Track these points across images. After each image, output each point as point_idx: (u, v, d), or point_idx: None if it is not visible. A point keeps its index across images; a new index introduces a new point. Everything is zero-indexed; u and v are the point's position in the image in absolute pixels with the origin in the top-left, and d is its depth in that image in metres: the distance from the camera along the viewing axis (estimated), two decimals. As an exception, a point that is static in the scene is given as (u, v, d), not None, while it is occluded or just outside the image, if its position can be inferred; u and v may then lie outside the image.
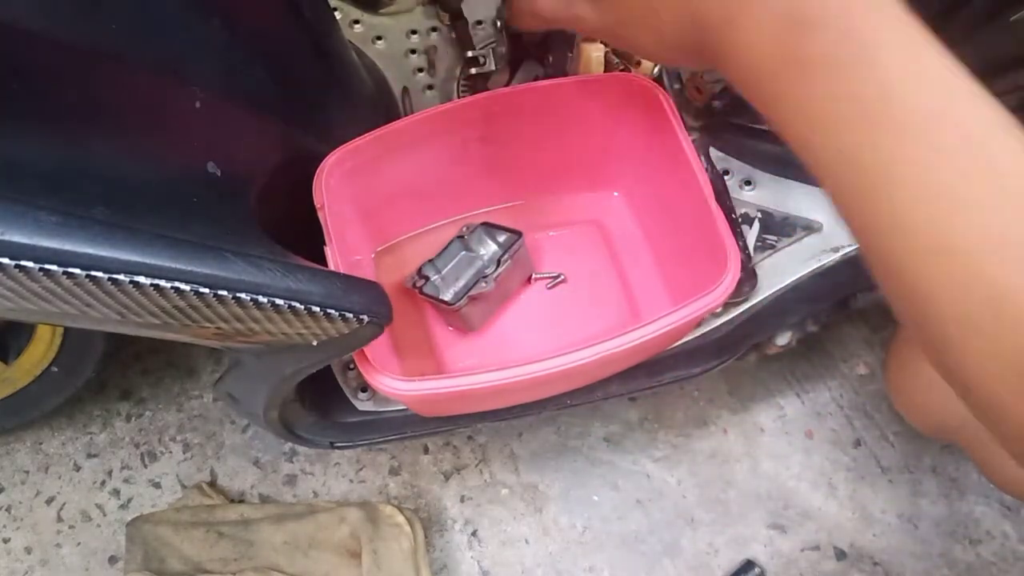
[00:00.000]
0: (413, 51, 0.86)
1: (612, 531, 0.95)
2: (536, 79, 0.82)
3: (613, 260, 0.77)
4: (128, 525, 0.88)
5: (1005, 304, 0.28)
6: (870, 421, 1.02)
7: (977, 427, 0.76)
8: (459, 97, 0.84)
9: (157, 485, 0.96)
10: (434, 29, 0.88)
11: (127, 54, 0.42)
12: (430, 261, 0.73)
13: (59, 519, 0.94)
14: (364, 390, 0.75)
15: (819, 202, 0.76)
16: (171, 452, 0.98)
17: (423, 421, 0.75)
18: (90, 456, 0.98)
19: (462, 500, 0.96)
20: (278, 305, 0.42)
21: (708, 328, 0.76)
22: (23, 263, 0.33)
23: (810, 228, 0.76)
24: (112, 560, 0.92)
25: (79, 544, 0.93)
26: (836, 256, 0.75)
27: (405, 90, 0.84)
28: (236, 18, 0.50)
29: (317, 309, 0.44)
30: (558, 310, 0.76)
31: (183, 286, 0.38)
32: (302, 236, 0.55)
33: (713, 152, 0.79)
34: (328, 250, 0.57)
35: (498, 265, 0.72)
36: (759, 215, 0.77)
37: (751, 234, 0.76)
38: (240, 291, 0.40)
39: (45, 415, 0.93)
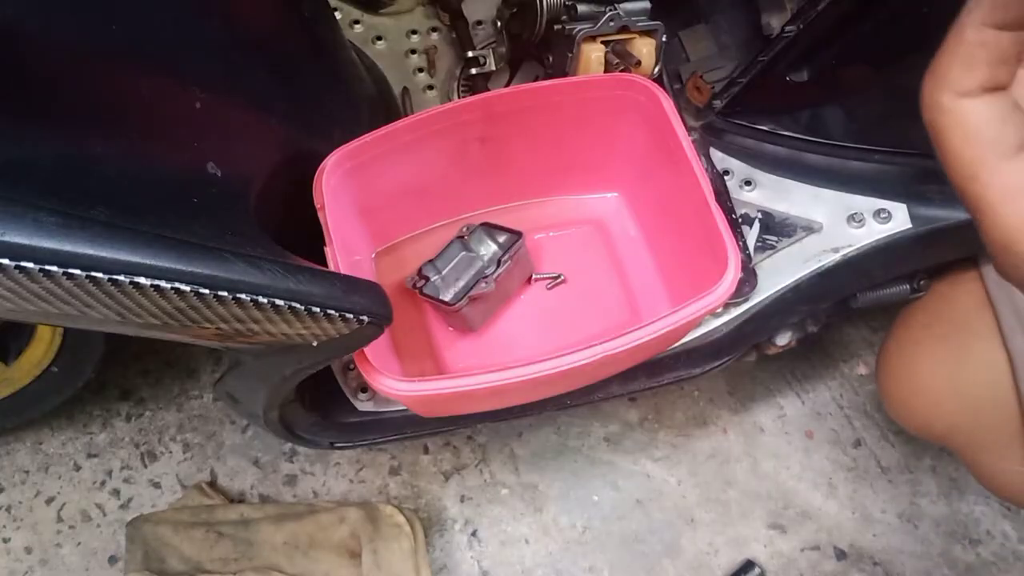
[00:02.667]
0: (413, 51, 0.86)
1: (612, 531, 0.95)
2: (536, 79, 0.82)
3: (613, 260, 0.77)
4: (128, 525, 0.88)
5: None
6: (870, 421, 1.02)
7: (966, 432, 0.76)
8: (459, 97, 0.84)
9: (157, 485, 0.96)
10: (434, 29, 0.88)
11: (127, 54, 0.42)
12: (430, 261, 0.73)
13: (59, 519, 0.94)
14: (364, 390, 0.75)
15: (819, 202, 0.76)
16: (171, 452, 0.98)
17: (423, 421, 0.75)
18: (90, 456, 0.98)
19: (462, 500, 0.96)
20: (278, 306, 0.42)
21: (708, 328, 0.76)
22: (23, 264, 0.33)
23: (810, 228, 0.76)
24: (112, 560, 0.92)
25: (79, 544, 0.93)
26: (836, 256, 0.75)
27: (405, 90, 0.84)
28: (236, 18, 0.50)
29: (317, 310, 0.44)
30: (558, 310, 0.76)
31: (183, 287, 0.38)
32: (302, 236, 0.55)
33: (713, 152, 0.79)
34: (328, 250, 0.57)
35: (498, 265, 0.71)
36: (759, 215, 0.76)
37: (751, 234, 0.76)
38: (240, 292, 0.40)
39: (45, 415, 0.93)
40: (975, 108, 0.25)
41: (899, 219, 0.74)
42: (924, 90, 0.27)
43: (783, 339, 0.81)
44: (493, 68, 0.82)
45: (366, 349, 0.53)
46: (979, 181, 0.26)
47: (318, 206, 0.58)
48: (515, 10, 0.78)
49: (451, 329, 0.75)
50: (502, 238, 0.73)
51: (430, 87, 0.85)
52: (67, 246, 0.34)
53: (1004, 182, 0.25)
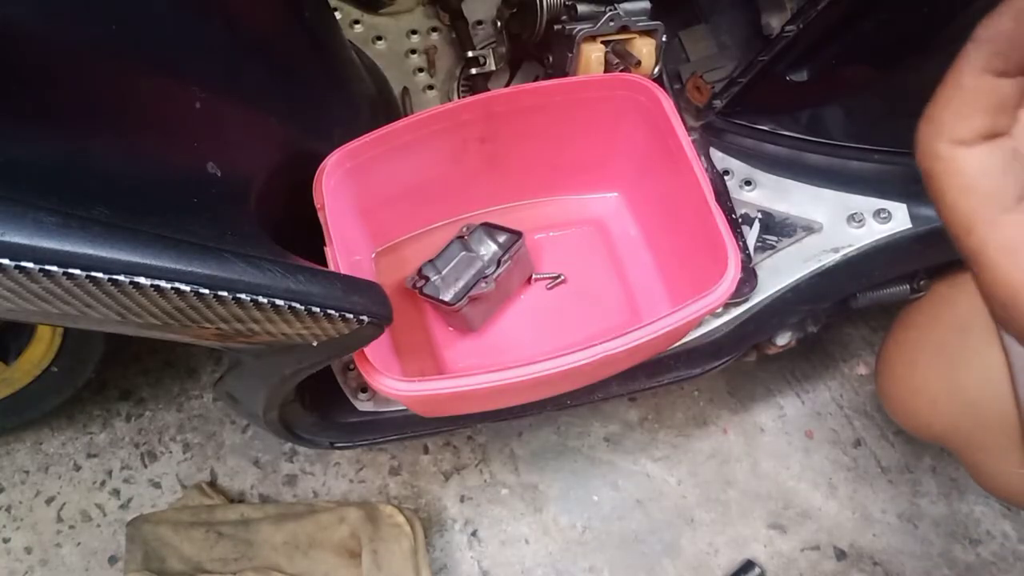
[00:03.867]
0: (413, 51, 0.86)
1: (612, 531, 0.95)
2: (536, 79, 0.82)
3: (613, 260, 0.77)
4: (128, 525, 0.88)
5: None
6: (870, 421, 1.02)
7: (965, 433, 0.76)
8: (459, 97, 0.84)
9: (157, 485, 0.96)
10: (434, 29, 0.88)
11: (127, 54, 0.42)
12: (430, 261, 0.73)
13: (59, 519, 0.94)
14: (364, 390, 0.75)
15: (819, 202, 0.76)
16: (171, 452, 0.98)
17: (423, 421, 0.75)
18: (90, 456, 0.98)
19: (462, 500, 0.96)
20: (278, 306, 0.42)
21: (708, 328, 0.76)
22: (23, 264, 0.33)
23: (810, 228, 0.76)
24: (112, 560, 0.92)
25: (79, 544, 0.93)
26: (836, 256, 0.75)
27: (405, 90, 0.84)
28: (237, 18, 0.50)
29: (317, 310, 0.44)
30: (558, 310, 0.76)
31: (183, 287, 0.38)
32: (302, 236, 0.55)
33: (713, 152, 0.79)
34: (328, 250, 0.57)
35: (498, 265, 0.72)
36: (759, 215, 0.76)
37: (751, 234, 0.76)
38: (240, 292, 0.40)
39: (45, 415, 0.93)
40: (973, 157, 0.24)
41: (899, 219, 0.74)
42: (919, 138, 0.26)
43: (783, 339, 0.81)
44: (493, 68, 0.82)
45: (366, 349, 0.53)
46: (976, 234, 0.24)
47: (318, 206, 0.59)
48: (515, 10, 0.78)
49: (451, 329, 0.75)
50: (502, 238, 0.73)
51: (430, 87, 0.85)
52: (67, 246, 0.34)
53: (1003, 236, 0.24)
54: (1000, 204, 0.24)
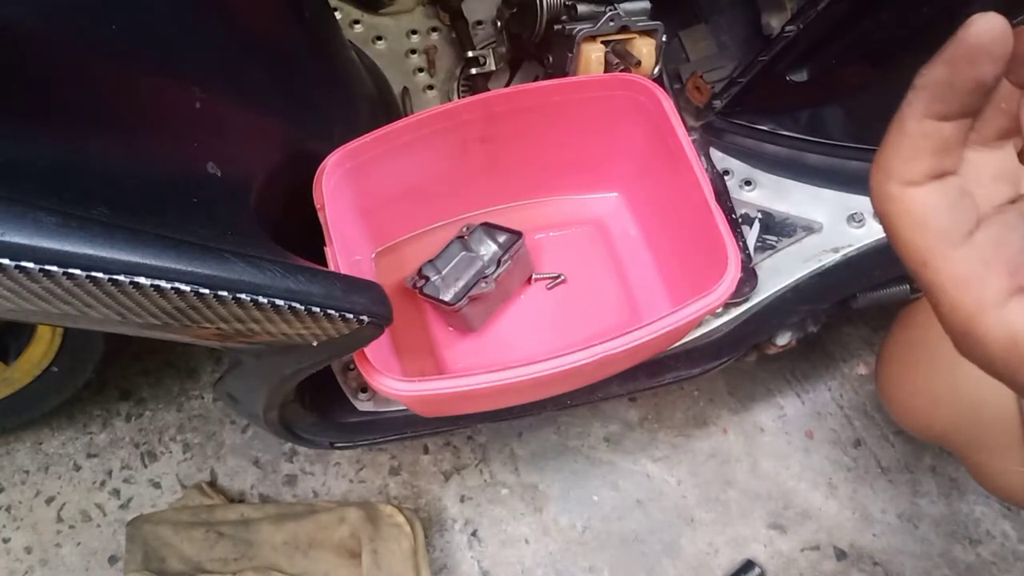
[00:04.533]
0: (413, 51, 0.87)
1: (612, 531, 0.95)
2: (536, 79, 0.82)
3: (613, 260, 0.77)
4: (128, 525, 0.88)
5: None
6: (870, 421, 1.02)
7: (965, 432, 0.76)
8: (459, 97, 0.84)
9: (157, 485, 0.96)
10: (434, 29, 0.88)
11: (127, 54, 0.42)
12: (430, 261, 0.73)
13: (59, 519, 0.94)
14: (364, 390, 0.75)
15: (819, 202, 0.76)
16: (171, 452, 0.98)
17: (423, 421, 0.75)
18: (90, 456, 0.98)
19: (462, 500, 0.96)
20: (278, 306, 0.42)
21: (708, 328, 0.76)
22: (23, 264, 0.33)
23: (810, 228, 0.76)
24: (112, 560, 0.92)
25: (79, 544, 0.93)
26: (836, 256, 0.75)
27: (405, 90, 0.84)
28: (237, 18, 0.50)
29: (317, 310, 0.44)
30: (558, 310, 0.76)
31: (183, 287, 0.38)
32: (302, 236, 0.55)
33: (713, 152, 0.79)
34: (328, 250, 0.57)
35: (498, 265, 0.72)
36: (759, 215, 0.76)
37: (751, 234, 0.76)
38: (240, 292, 0.40)
39: (45, 415, 0.93)
40: (922, 196, 0.25)
41: (899, 219, 0.74)
42: (872, 180, 0.27)
43: (783, 339, 0.81)
44: (493, 68, 0.82)
45: (366, 349, 0.53)
46: (931, 268, 0.25)
47: (318, 206, 0.59)
48: (515, 10, 0.78)
49: (451, 329, 0.75)
50: (502, 238, 0.73)
51: (430, 87, 0.85)
52: (67, 246, 0.34)
53: (955, 268, 0.25)
54: (950, 239, 0.25)
